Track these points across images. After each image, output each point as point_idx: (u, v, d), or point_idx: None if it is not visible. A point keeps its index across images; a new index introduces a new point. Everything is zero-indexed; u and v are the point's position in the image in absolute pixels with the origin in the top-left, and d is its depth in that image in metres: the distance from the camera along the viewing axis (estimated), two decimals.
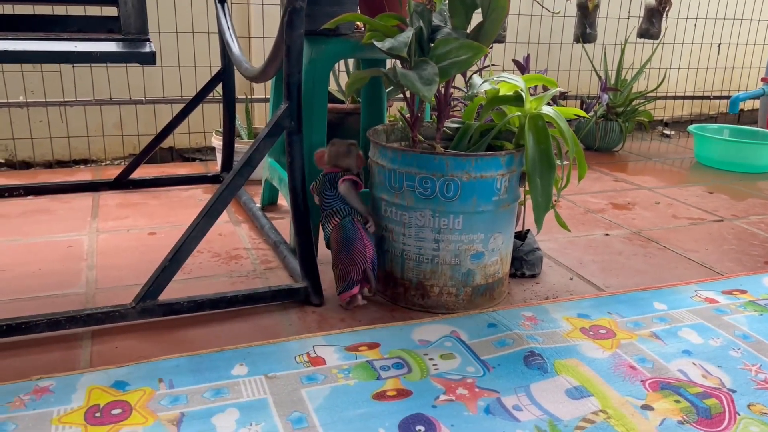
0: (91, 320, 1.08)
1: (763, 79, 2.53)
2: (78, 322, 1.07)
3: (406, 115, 1.26)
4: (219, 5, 1.74)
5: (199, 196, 1.85)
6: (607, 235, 1.66)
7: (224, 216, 1.66)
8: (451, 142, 1.27)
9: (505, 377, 0.99)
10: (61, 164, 2.23)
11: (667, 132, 3.07)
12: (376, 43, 1.05)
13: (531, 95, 1.21)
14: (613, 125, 2.51)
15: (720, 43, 2.99)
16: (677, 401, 0.94)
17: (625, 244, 1.60)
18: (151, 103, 2.21)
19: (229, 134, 1.89)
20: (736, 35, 3.06)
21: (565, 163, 1.22)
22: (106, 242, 1.49)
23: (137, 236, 1.53)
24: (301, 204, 1.22)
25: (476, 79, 1.22)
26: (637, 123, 2.63)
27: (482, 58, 1.37)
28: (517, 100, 1.22)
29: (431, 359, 1.03)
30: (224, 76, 1.84)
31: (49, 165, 2.21)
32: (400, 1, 1.39)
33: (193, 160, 2.36)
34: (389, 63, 2.09)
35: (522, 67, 2.42)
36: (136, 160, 1.86)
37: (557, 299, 1.27)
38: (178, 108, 2.20)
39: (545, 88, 1.47)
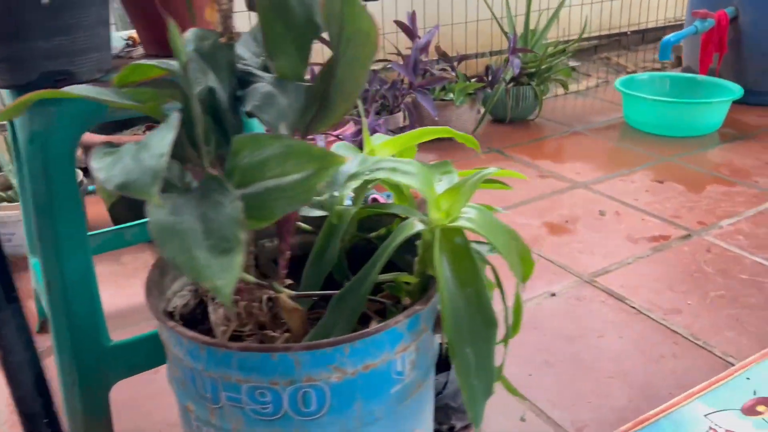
0: None
1: (694, 14, 2.09)
2: None
3: None
4: None
5: None
6: (553, 295, 1.18)
7: None
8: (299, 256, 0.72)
9: None
10: None
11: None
12: (96, 172, 0.46)
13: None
14: (526, 90, 2.01)
15: None
16: None
17: (580, 310, 1.13)
18: None
19: None
20: None
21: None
22: None
23: None
24: None
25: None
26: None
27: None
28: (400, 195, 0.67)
29: None
30: None
31: None
32: (190, 4, 0.79)
33: None
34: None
35: (408, 30, 1.85)
36: None
37: None
38: None
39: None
